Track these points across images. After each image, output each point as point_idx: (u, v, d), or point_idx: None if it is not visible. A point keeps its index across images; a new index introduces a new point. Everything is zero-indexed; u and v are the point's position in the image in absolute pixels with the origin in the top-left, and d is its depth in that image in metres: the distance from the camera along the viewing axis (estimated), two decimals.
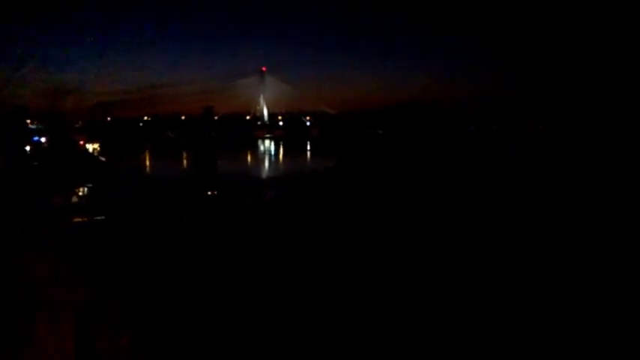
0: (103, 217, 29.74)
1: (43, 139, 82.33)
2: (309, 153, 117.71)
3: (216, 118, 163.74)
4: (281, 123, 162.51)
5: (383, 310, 17.87)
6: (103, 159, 77.10)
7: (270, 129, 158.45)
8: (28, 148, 69.46)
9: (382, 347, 15.25)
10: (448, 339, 15.70)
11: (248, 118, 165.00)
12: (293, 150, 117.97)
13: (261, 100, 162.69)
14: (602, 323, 15.98)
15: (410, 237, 29.54)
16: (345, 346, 15.26)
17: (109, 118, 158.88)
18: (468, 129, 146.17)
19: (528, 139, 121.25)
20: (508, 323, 16.84)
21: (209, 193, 45.38)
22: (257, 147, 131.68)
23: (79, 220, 29.47)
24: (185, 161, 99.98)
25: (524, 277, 21.50)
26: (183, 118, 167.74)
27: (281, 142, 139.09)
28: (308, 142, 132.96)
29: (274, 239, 28.69)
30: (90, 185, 41.62)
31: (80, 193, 40.66)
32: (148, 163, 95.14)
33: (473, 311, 18.10)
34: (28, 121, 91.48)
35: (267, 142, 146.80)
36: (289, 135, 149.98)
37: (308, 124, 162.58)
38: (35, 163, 58.99)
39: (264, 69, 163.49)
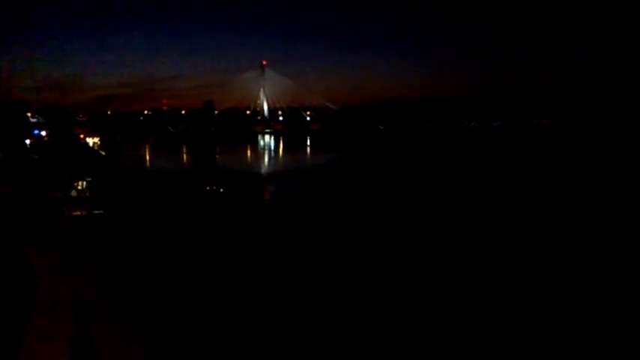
0: (101, 211, 29.60)
1: (43, 133, 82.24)
2: (309, 148, 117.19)
3: (216, 112, 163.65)
4: (281, 118, 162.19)
5: (384, 306, 17.77)
6: (102, 153, 76.85)
7: (270, 123, 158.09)
8: (28, 141, 69.29)
9: (383, 345, 15.14)
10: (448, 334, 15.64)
11: (248, 112, 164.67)
12: (293, 145, 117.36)
13: (262, 95, 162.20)
14: (602, 322, 15.90)
15: (411, 232, 29.45)
16: (346, 343, 15.14)
17: (109, 112, 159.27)
18: (468, 124, 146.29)
19: (530, 135, 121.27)
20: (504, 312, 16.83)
21: (207, 188, 45.20)
22: (257, 142, 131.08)
23: (78, 213, 29.33)
24: (185, 156, 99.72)
25: (521, 272, 21.49)
26: (183, 112, 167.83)
27: (281, 137, 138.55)
28: (308, 137, 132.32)
29: (273, 236, 28.56)
30: (89, 179, 41.42)
31: (79, 187, 40.45)
32: (148, 157, 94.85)
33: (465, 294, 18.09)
34: (29, 114, 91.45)
35: (267, 136, 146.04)
36: (289, 130, 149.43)
37: (308, 118, 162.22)
38: (35, 157, 58.81)
39: (264, 63, 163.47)
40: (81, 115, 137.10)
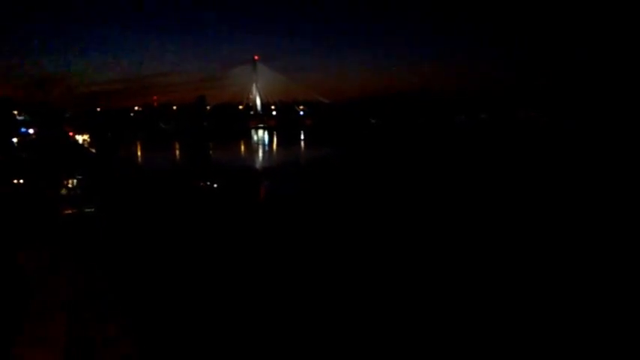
0: (92, 210, 29.06)
1: (31, 131, 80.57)
2: (302, 143, 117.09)
3: (208, 107, 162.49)
4: (274, 112, 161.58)
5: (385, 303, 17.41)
6: (93, 150, 75.69)
7: (263, 119, 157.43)
8: (15, 140, 67.72)
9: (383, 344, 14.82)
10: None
11: (241, 107, 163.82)
12: (287, 140, 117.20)
13: (254, 90, 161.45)
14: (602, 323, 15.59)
15: (409, 230, 29.08)
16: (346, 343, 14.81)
17: (98, 109, 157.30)
18: (456, 118, 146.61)
19: (518, 128, 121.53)
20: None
21: (201, 184, 44.71)
22: (250, 137, 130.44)
23: (69, 211, 28.91)
24: (178, 152, 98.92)
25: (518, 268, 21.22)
26: (174, 108, 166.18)
27: (274, 132, 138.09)
28: (302, 132, 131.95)
29: (271, 233, 28.09)
30: (79, 177, 40.74)
31: (70, 185, 39.84)
32: (139, 154, 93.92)
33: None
34: (15, 112, 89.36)
35: (260, 131, 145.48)
36: (283, 124, 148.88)
37: (301, 113, 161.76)
38: (23, 156, 57.64)
39: (256, 58, 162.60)
40: (70, 112, 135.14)
